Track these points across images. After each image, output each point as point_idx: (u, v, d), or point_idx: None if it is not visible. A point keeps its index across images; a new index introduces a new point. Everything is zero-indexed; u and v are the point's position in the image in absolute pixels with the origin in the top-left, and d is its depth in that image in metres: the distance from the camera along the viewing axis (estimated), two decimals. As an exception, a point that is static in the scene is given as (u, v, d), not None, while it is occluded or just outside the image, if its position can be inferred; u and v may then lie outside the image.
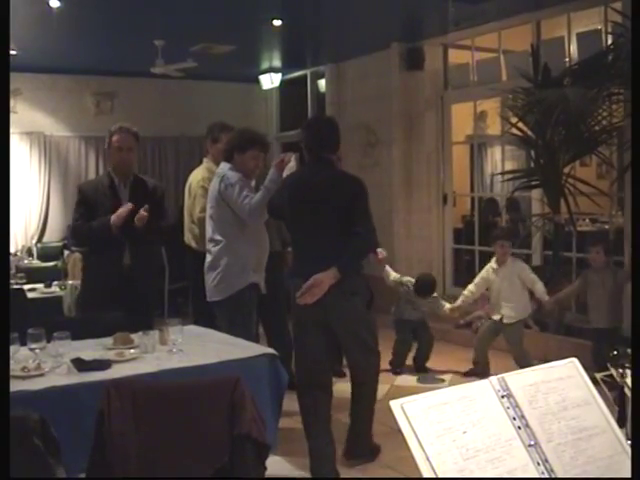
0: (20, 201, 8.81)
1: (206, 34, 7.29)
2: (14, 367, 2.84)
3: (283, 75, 9.58)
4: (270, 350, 3.34)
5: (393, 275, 5.74)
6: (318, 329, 3.68)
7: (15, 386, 2.63)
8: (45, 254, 8.34)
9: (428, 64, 7.95)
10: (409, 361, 5.93)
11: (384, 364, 5.78)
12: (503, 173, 7.39)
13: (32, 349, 2.98)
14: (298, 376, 3.81)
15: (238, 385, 2.49)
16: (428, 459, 1.19)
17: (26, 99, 8.81)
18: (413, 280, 5.74)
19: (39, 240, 9.00)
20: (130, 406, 2.42)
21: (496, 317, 5.54)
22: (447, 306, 5.73)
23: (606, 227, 7.09)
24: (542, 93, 5.73)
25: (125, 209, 4.16)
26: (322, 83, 9.55)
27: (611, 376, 1.62)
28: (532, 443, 1.28)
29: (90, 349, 3.25)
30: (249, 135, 4.35)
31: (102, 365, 2.98)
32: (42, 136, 9.06)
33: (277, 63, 9.23)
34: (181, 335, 3.33)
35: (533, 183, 6.33)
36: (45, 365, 2.93)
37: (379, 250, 5.26)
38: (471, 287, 5.70)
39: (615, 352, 1.60)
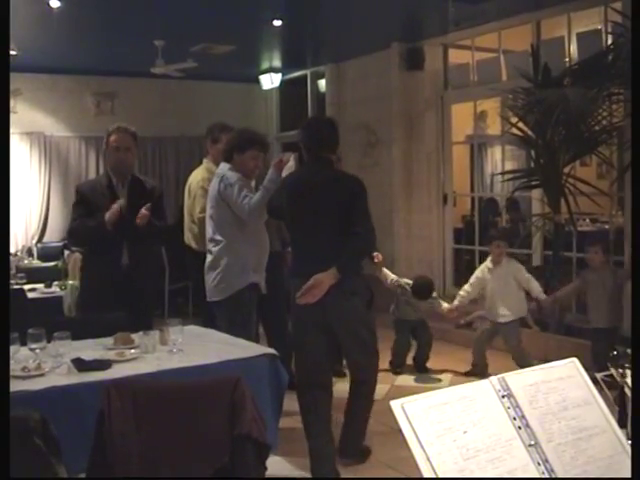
0: (20, 201, 8.82)
1: (206, 34, 7.29)
2: (14, 367, 2.84)
3: (283, 75, 9.58)
4: (270, 350, 3.34)
5: (391, 277, 5.74)
6: (318, 329, 3.68)
7: (15, 386, 2.64)
8: (45, 254, 8.34)
9: (428, 64, 7.95)
10: (409, 361, 5.94)
11: (384, 364, 5.83)
12: (503, 173, 7.39)
13: (32, 349, 2.98)
14: (298, 376, 3.81)
15: (238, 385, 2.49)
16: (428, 459, 1.19)
17: (26, 99, 8.81)
18: (411, 282, 5.74)
19: (39, 240, 9.01)
20: (130, 406, 2.42)
21: (494, 319, 5.56)
22: (445, 306, 5.76)
23: (606, 227, 7.09)
24: (542, 93, 5.73)
25: (117, 205, 4.14)
26: (322, 83, 9.55)
27: (611, 376, 1.62)
28: (532, 443, 1.28)
29: (90, 349, 3.25)
30: (248, 135, 4.36)
31: (102, 365, 2.98)
32: (42, 136, 9.06)
33: (277, 63, 9.24)
34: (181, 335, 3.33)
35: (533, 183, 6.33)
36: (45, 365, 2.93)
37: (375, 254, 5.30)
38: (467, 287, 5.75)
39: (615, 352, 1.60)
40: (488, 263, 5.65)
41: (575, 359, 1.44)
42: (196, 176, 5.13)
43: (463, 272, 7.93)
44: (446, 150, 8.03)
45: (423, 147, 8.06)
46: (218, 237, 4.24)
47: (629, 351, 1.54)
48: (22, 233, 8.93)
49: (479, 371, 5.58)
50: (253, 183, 4.39)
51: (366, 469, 3.88)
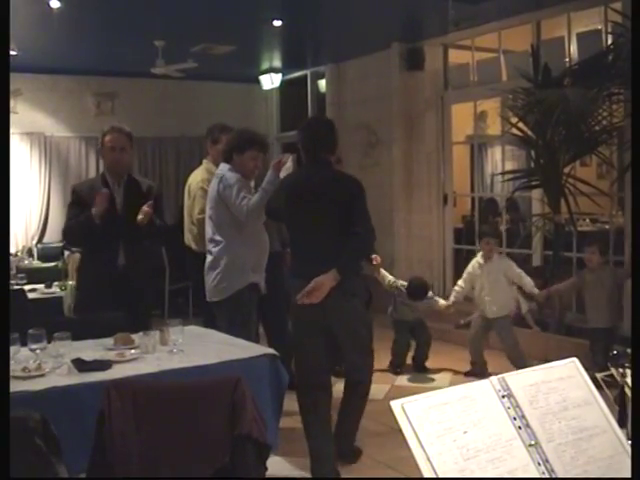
0: (20, 202, 8.82)
1: (206, 34, 7.29)
2: (15, 367, 2.85)
3: (283, 75, 9.58)
4: (270, 350, 3.34)
5: (388, 278, 5.76)
6: (318, 330, 3.68)
7: (16, 386, 2.64)
8: (45, 254, 8.34)
9: (428, 64, 7.96)
10: (409, 361, 5.95)
11: (384, 364, 5.83)
12: (503, 173, 7.39)
13: (33, 349, 2.98)
14: (298, 377, 3.80)
15: (239, 385, 2.49)
16: (429, 459, 1.19)
17: (26, 99, 8.81)
18: (406, 284, 5.77)
19: (39, 241, 9.01)
20: (131, 406, 2.42)
21: (484, 315, 5.62)
22: (442, 302, 5.82)
23: (606, 227, 7.09)
24: (542, 93, 5.73)
25: (101, 197, 4.11)
26: (322, 83, 9.55)
27: (611, 376, 1.62)
28: (533, 443, 1.28)
29: (91, 349, 3.25)
30: (248, 135, 4.36)
31: (103, 365, 2.98)
32: (42, 136, 9.06)
33: (277, 63, 9.24)
34: (182, 335, 3.33)
35: (533, 183, 6.33)
36: (46, 365, 2.93)
37: (373, 256, 5.32)
38: (460, 282, 5.84)
39: (615, 352, 1.60)
40: (479, 259, 5.72)
41: (575, 359, 1.44)
42: (196, 177, 5.14)
43: (463, 272, 7.93)
44: (446, 150, 8.03)
45: (423, 147, 8.06)
46: (218, 237, 4.24)
47: (629, 351, 1.54)
48: (22, 233, 8.93)
49: (478, 370, 5.60)
50: (253, 183, 4.39)
51: (366, 469, 3.88)
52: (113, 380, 2.67)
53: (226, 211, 4.19)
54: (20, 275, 6.14)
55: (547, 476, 1.26)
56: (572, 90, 5.53)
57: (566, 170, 5.96)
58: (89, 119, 9.13)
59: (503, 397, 1.32)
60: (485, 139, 9.22)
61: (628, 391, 1.54)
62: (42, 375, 2.87)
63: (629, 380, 1.54)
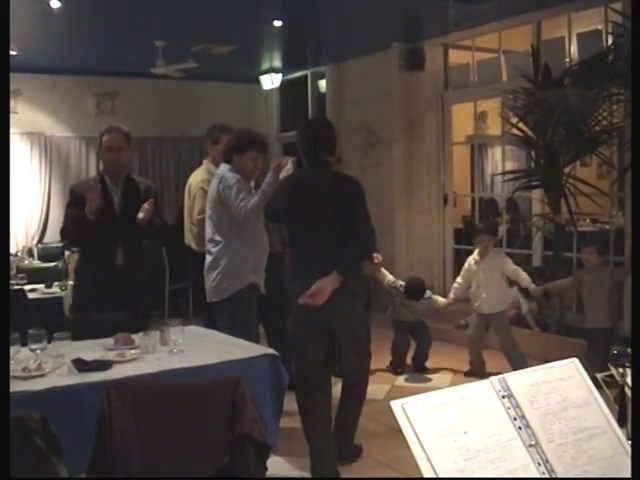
0: (21, 202, 8.82)
1: (206, 35, 7.29)
2: (15, 368, 2.85)
3: (284, 75, 9.58)
4: (271, 350, 3.34)
5: (388, 278, 5.78)
6: (317, 331, 3.68)
7: (16, 387, 2.64)
8: (46, 255, 8.35)
9: (428, 64, 7.96)
10: (410, 361, 5.95)
11: (384, 364, 5.84)
12: (504, 173, 7.40)
13: (33, 350, 2.98)
14: (297, 377, 3.79)
15: (239, 385, 2.49)
16: (429, 459, 1.19)
17: (27, 99, 8.81)
18: (404, 284, 5.79)
19: (40, 241, 9.01)
20: (131, 406, 2.42)
21: (480, 311, 5.65)
22: (441, 300, 5.86)
23: (607, 227, 7.09)
24: (542, 93, 5.73)
25: (92, 193, 4.09)
26: (323, 83, 9.56)
27: (611, 376, 1.62)
28: (533, 443, 1.28)
29: (91, 350, 3.25)
30: (248, 136, 4.35)
31: (103, 365, 2.98)
32: (43, 136, 9.06)
33: (278, 63, 9.24)
34: (182, 335, 3.33)
35: (533, 183, 6.33)
36: (46, 365, 2.93)
37: (375, 254, 5.33)
38: (458, 279, 5.88)
39: (615, 351, 1.60)
40: (475, 255, 5.75)
41: (575, 359, 1.44)
42: (196, 177, 5.14)
43: (463, 272, 7.94)
44: (446, 150, 8.03)
45: (423, 147, 8.06)
46: (217, 238, 4.24)
47: (629, 350, 1.54)
48: (22, 233, 8.93)
49: (477, 370, 5.61)
50: (253, 184, 4.39)
51: (366, 469, 3.88)
52: (113, 380, 2.67)
53: (226, 211, 4.19)
54: (20, 275, 6.15)
55: (547, 476, 1.26)
56: (572, 90, 5.54)
57: (566, 170, 5.96)
58: (89, 119, 9.13)
59: (503, 397, 1.32)
60: (485, 139, 9.22)
61: (628, 391, 1.54)
62: (42, 375, 2.87)
63: (629, 380, 1.54)
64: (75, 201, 4.29)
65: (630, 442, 1.35)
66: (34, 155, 9.01)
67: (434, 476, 1.18)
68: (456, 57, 8.03)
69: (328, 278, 3.49)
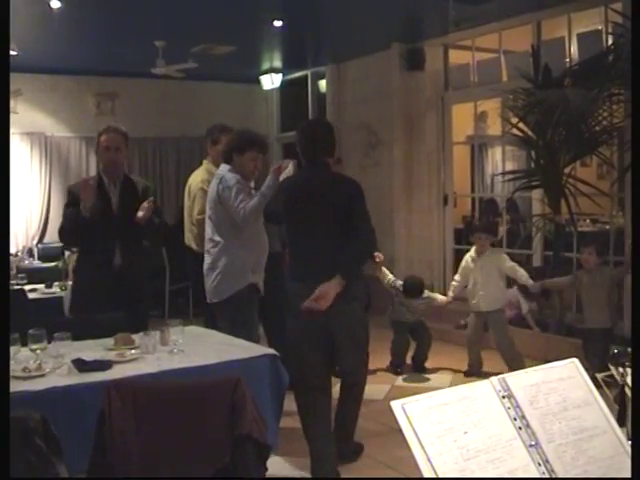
0: (21, 202, 8.82)
1: (207, 35, 7.29)
2: (15, 368, 2.85)
3: (284, 76, 9.58)
4: (271, 350, 3.34)
5: (388, 277, 5.79)
6: (318, 333, 3.67)
7: (16, 387, 2.64)
8: (46, 255, 8.35)
9: (429, 64, 7.96)
10: (410, 362, 5.96)
11: (384, 364, 5.84)
12: (504, 173, 7.40)
13: (33, 350, 2.98)
14: (296, 378, 3.76)
15: (239, 386, 2.49)
16: (429, 459, 1.19)
17: (27, 100, 8.82)
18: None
19: (40, 241, 9.01)
20: (131, 406, 2.42)
21: (477, 309, 5.69)
22: (441, 298, 5.91)
23: (607, 227, 7.09)
24: (542, 93, 5.73)
25: (87, 190, 4.08)
26: (323, 83, 9.56)
27: (611, 376, 1.62)
28: (533, 443, 1.28)
29: (91, 350, 3.25)
30: (248, 136, 4.35)
31: (103, 366, 2.98)
32: (43, 137, 9.07)
33: (278, 64, 9.24)
34: (182, 336, 3.33)
35: (534, 183, 6.33)
36: (46, 366, 2.93)
37: (376, 253, 5.34)
38: (456, 277, 5.94)
39: (615, 351, 1.60)
40: (472, 253, 5.79)
41: (575, 359, 1.44)
42: (196, 177, 5.14)
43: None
44: (446, 151, 8.03)
45: (424, 147, 8.07)
46: (217, 238, 4.23)
47: (629, 350, 1.54)
48: (23, 233, 8.93)
49: (476, 370, 5.67)
50: (253, 184, 4.39)
51: (366, 469, 3.88)
52: (113, 380, 2.67)
53: (225, 212, 4.18)
54: (20, 275, 6.15)
55: (547, 476, 1.26)
56: (572, 90, 5.54)
57: (566, 170, 5.96)
58: (89, 119, 9.13)
59: (503, 397, 1.32)
60: (485, 139, 9.22)
61: (628, 391, 1.55)
62: (42, 375, 2.86)
63: (629, 380, 1.54)
64: (73, 201, 4.27)
65: (630, 442, 1.35)
66: (34, 155, 9.01)
67: (434, 476, 1.18)
68: (456, 57, 8.03)
69: (331, 282, 3.48)
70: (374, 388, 4.99)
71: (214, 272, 4.23)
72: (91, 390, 2.70)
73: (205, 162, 5.19)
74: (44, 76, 8.81)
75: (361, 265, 3.77)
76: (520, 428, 1.30)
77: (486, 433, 1.26)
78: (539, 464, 1.26)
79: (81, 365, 2.95)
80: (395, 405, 1.24)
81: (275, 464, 3.16)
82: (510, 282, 6.66)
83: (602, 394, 1.45)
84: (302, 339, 3.72)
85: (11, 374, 2.69)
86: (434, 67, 7.97)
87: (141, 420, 2.42)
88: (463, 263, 5.87)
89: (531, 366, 1.43)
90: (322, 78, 9.56)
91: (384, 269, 5.76)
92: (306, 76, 9.78)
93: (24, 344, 3.02)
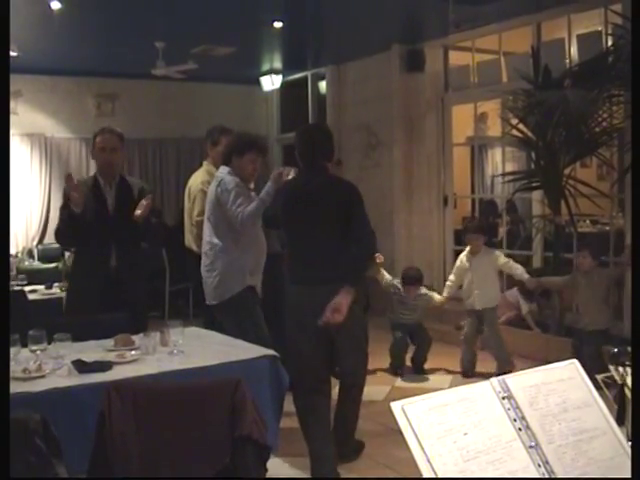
0: (21, 203, 8.82)
1: (207, 36, 7.30)
2: (15, 369, 2.84)
3: (284, 77, 9.58)
4: (271, 351, 3.34)
5: (386, 277, 5.81)
6: (317, 335, 3.67)
7: (16, 388, 2.64)
8: (46, 255, 8.35)
9: (429, 66, 7.96)
10: (409, 363, 5.96)
11: (384, 366, 5.84)
12: (504, 174, 7.40)
13: (33, 350, 2.98)
14: (296, 380, 3.76)
15: (239, 387, 2.49)
16: (429, 460, 1.19)
17: (27, 101, 8.82)
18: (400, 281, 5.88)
19: (40, 242, 9.01)
20: (131, 407, 2.42)
21: (472, 307, 5.73)
22: (437, 298, 5.92)
23: (607, 229, 7.09)
24: (542, 95, 5.74)
25: (73, 187, 4.07)
26: (323, 85, 9.56)
27: (611, 377, 1.63)
28: (533, 444, 1.29)
29: (91, 351, 3.25)
30: (247, 138, 4.35)
31: (103, 366, 2.98)
32: (43, 138, 9.07)
33: (278, 65, 9.24)
34: (182, 337, 3.33)
35: (534, 184, 6.33)
36: (46, 366, 2.93)
37: (377, 254, 5.36)
38: (451, 277, 5.97)
39: (615, 350, 1.60)
40: (466, 253, 5.83)
41: (575, 361, 1.44)
42: (196, 179, 5.14)
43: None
44: (446, 152, 8.03)
45: (424, 149, 8.07)
46: (215, 240, 4.22)
47: (629, 349, 1.54)
48: (23, 234, 8.93)
49: (469, 370, 5.73)
50: (252, 185, 4.38)
51: (365, 470, 3.88)
52: (113, 381, 2.68)
53: (223, 214, 4.16)
54: (20, 276, 6.15)
55: (547, 477, 1.26)
56: (572, 91, 5.54)
57: (566, 171, 5.96)
58: (89, 120, 9.12)
59: (503, 399, 1.33)
60: (485, 140, 9.21)
61: (628, 392, 1.55)
62: (42, 376, 2.86)
63: (629, 380, 1.54)
64: (69, 203, 4.27)
65: (630, 443, 1.35)
66: (34, 156, 9.01)
67: (434, 477, 1.18)
68: (456, 58, 8.03)
69: (342, 294, 3.48)
70: (374, 389, 4.99)
71: (212, 274, 4.23)
72: (91, 391, 2.70)
73: (205, 163, 5.19)
74: (44, 77, 8.81)
75: (366, 269, 3.78)
76: (520, 429, 1.30)
77: (486, 434, 1.26)
78: (539, 465, 1.27)
79: (81, 366, 2.95)
80: (395, 406, 1.24)
81: (275, 465, 3.17)
82: (510, 283, 6.67)
83: (602, 395, 1.45)
84: (302, 341, 3.72)
85: (11, 375, 2.70)
86: (434, 68, 7.97)
87: (141, 421, 2.43)
88: (458, 263, 5.91)
89: (531, 367, 1.43)
90: (322, 79, 9.56)
91: (382, 270, 5.77)
92: (306, 77, 9.78)
93: (24, 345, 3.02)
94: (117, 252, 4.21)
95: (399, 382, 5.66)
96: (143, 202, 4.13)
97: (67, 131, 9.21)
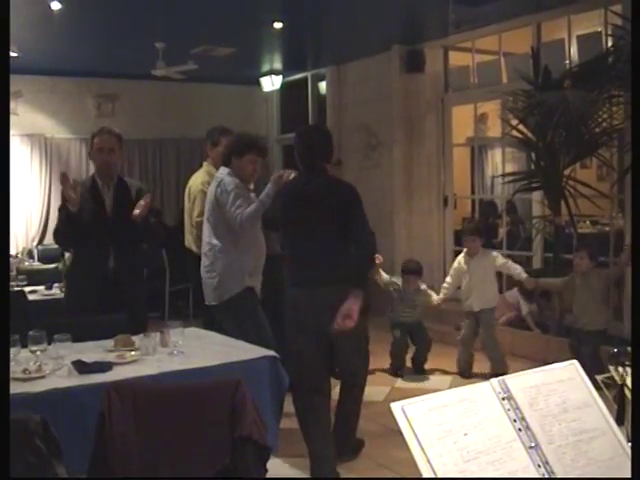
0: (21, 203, 8.82)
1: (207, 36, 7.30)
2: (15, 369, 2.84)
3: (284, 77, 9.59)
4: (271, 352, 3.34)
5: (384, 277, 5.82)
6: (317, 336, 3.67)
7: (16, 388, 2.64)
8: (46, 256, 8.33)
9: (429, 66, 7.96)
10: (409, 363, 5.96)
11: (384, 366, 5.84)
12: (504, 175, 7.40)
13: (33, 351, 2.98)
14: (295, 381, 3.76)
15: (239, 387, 2.49)
16: (429, 461, 1.19)
17: (27, 101, 8.82)
18: (400, 280, 5.91)
19: (40, 242, 9.01)
20: (131, 408, 2.42)
21: (470, 309, 5.75)
22: (435, 297, 5.95)
23: (607, 229, 7.09)
24: (542, 95, 5.74)
25: (65, 185, 4.08)
26: (323, 85, 9.56)
27: (611, 378, 1.63)
28: (533, 445, 1.29)
29: (91, 351, 3.25)
30: (247, 139, 4.35)
31: (103, 367, 2.98)
32: (43, 138, 9.07)
33: (278, 65, 9.24)
34: (182, 337, 3.34)
35: (534, 185, 6.34)
36: (46, 367, 2.93)
37: (376, 255, 5.37)
38: (447, 279, 6.01)
39: (615, 350, 1.61)
40: (464, 255, 5.85)
41: (575, 361, 1.44)
42: (196, 179, 5.14)
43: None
44: (446, 152, 8.04)
45: (424, 149, 8.07)
46: (214, 241, 4.22)
47: (629, 349, 1.54)
48: (23, 235, 8.93)
49: (465, 371, 5.74)
50: (252, 186, 4.38)
51: (365, 470, 3.89)
52: (113, 382, 2.67)
53: (223, 215, 4.16)
54: (20, 277, 6.15)
55: (547, 477, 1.26)
56: (572, 92, 5.54)
57: (566, 172, 5.97)
58: (90, 121, 9.11)
59: (503, 399, 1.33)
60: (485, 141, 9.22)
61: (628, 393, 1.55)
62: (42, 377, 2.86)
63: (629, 380, 1.54)
64: (66, 203, 4.26)
65: (630, 444, 1.35)
66: (34, 157, 9.02)
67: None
68: (456, 59, 8.04)
69: (351, 299, 3.49)
70: (374, 390, 4.99)
71: (212, 274, 4.23)
72: (91, 392, 2.70)
73: (205, 164, 5.19)
74: (44, 78, 8.81)
75: (369, 269, 3.79)
76: (520, 430, 1.30)
77: (486, 435, 1.26)
78: (539, 466, 1.27)
79: (81, 367, 2.95)
80: (395, 407, 1.24)
81: (275, 465, 3.16)
82: (510, 283, 6.67)
83: (602, 395, 1.45)
84: (301, 341, 3.72)
85: (11, 376, 2.69)
86: (434, 69, 7.97)
87: (141, 422, 2.43)
88: (455, 265, 5.92)
89: (531, 368, 1.43)
90: (322, 80, 9.56)
91: (380, 271, 5.78)
92: (306, 78, 9.78)
93: (24, 346, 3.02)
94: (115, 253, 4.20)
95: (399, 383, 5.66)
96: (141, 202, 4.12)
97: (67, 131, 9.22)
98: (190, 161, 9.18)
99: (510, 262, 5.77)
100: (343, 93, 9.06)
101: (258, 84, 9.60)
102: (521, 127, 6.14)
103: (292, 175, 4.01)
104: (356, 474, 3.82)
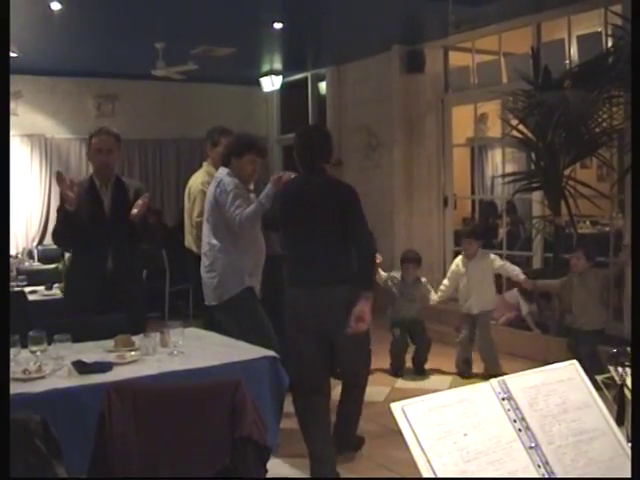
0: (21, 203, 8.83)
1: (207, 37, 7.30)
2: (15, 369, 2.84)
3: (284, 78, 9.59)
4: (271, 352, 3.34)
5: (382, 275, 5.84)
6: (318, 336, 3.68)
7: (16, 388, 2.63)
8: (46, 256, 8.33)
9: (429, 67, 7.97)
10: (409, 364, 5.96)
11: (384, 366, 5.84)
12: (504, 175, 7.40)
13: (33, 351, 2.98)
14: (295, 381, 3.75)
15: (239, 387, 2.49)
16: (429, 461, 1.19)
17: (27, 101, 8.82)
18: (399, 274, 5.93)
19: (40, 242, 9.01)
20: (131, 408, 2.42)
21: (469, 311, 5.76)
22: (433, 297, 5.97)
23: (606, 229, 7.09)
24: (542, 95, 5.74)
25: (61, 185, 4.07)
26: (323, 85, 9.56)
27: (611, 378, 1.63)
28: (533, 445, 1.29)
29: (91, 351, 3.25)
30: (246, 140, 4.35)
31: (103, 367, 2.98)
32: (43, 138, 9.07)
33: (278, 66, 9.24)
34: (182, 337, 3.34)
35: (534, 185, 6.34)
36: (46, 367, 2.93)
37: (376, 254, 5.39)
38: (445, 282, 6.01)
39: (615, 350, 1.61)
40: (462, 257, 5.85)
41: (575, 361, 1.44)
42: (196, 179, 5.14)
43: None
44: (447, 152, 8.04)
45: (424, 150, 8.07)
46: (214, 241, 4.22)
47: (629, 349, 1.54)
48: (23, 235, 8.93)
49: (464, 372, 5.75)
50: (252, 186, 4.38)
51: (365, 470, 3.89)
52: (113, 382, 2.67)
53: (222, 215, 4.16)
54: (20, 277, 6.15)
55: (547, 478, 1.26)
56: (572, 92, 5.54)
57: (566, 172, 5.97)
58: (90, 121, 9.10)
59: (503, 399, 1.33)
60: (485, 141, 9.22)
61: (628, 393, 1.55)
62: (42, 377, 2.86)
63: (629, 380, 1.54)
64: (64, 204, 4.26)
65: (630, 444, 1.35)
66: (34, 157, 9.02)
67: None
68: (456, 59, 8.04)
69: (362, 301, 3.51)
70: (374, 390, 4.98)
71: (211, 275, 4.23)
72: (91, 392, 2.70)
73: (205, 164, 5.19)
74: (44, 78, 8.81)
75: (373, 269, 3.79)
76: (520, 430, 1.30)
77: (486, 435, 1.26)
78: (539, 466, 1.27)
79: (81, 367, 2.95)
80: (395, 407, 1.24)
81: (275, 465, 3.17)
82: (510, 284, 6.67)
83: (601, 396, 1.45)
84: (301, 342, 3.72)
85: (11, 376, 2.69)
86: (434, 69, 7.97)
87: (141, 422, 2.43)
88: (453, 267, 5.92)
89: (531, 368, 1.43)
90: (322, 80, 9.56)
91: (379, 270, 5.79)
92: (306, 78, 9.78)
93: (24, 346, 3.02)
94: (114, 254, 4.20)
95: (399, 383, 5.66)
96: (139, 202, 4.12)
97: (67, 132, 9.22)
98: (190, 161, 9.18)
99: (508, 264, 5.77)
100: (343, 93, 9.06)
101: (258, 84, 9.60)
102: (521, 127, 6.14)
103: (292, 176, 4.01)
104: (356, 474, 3.82)
